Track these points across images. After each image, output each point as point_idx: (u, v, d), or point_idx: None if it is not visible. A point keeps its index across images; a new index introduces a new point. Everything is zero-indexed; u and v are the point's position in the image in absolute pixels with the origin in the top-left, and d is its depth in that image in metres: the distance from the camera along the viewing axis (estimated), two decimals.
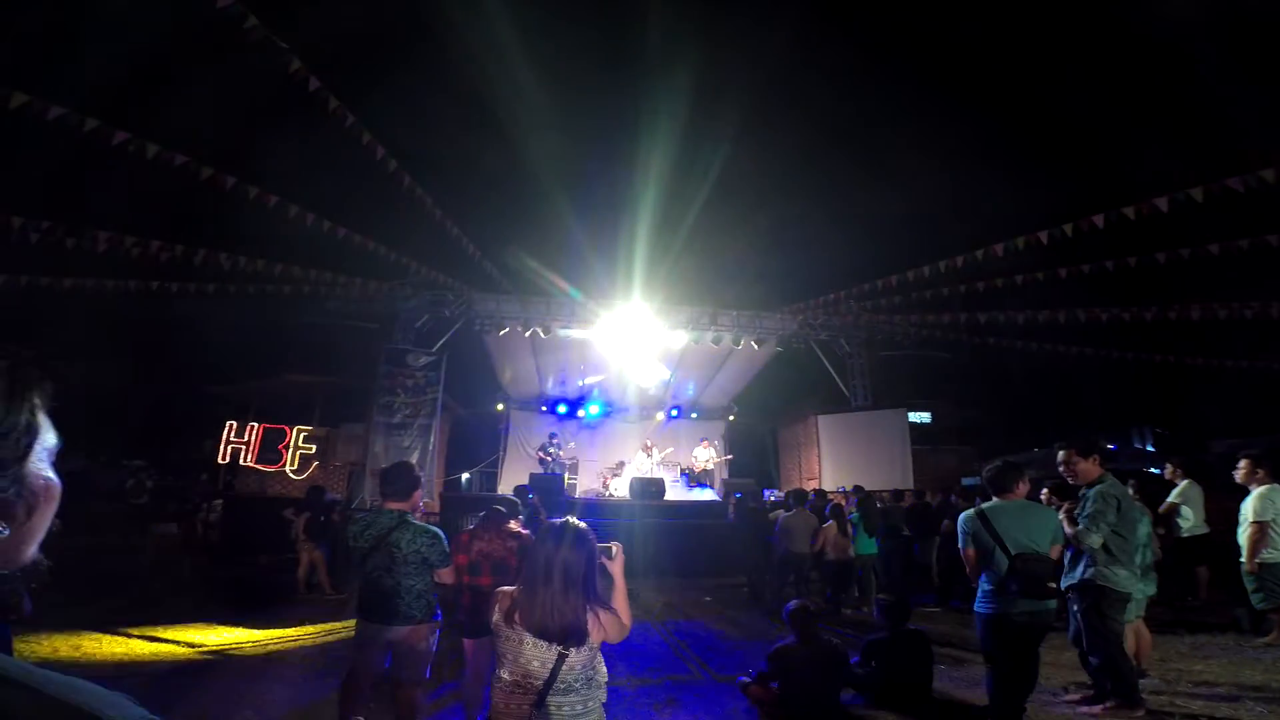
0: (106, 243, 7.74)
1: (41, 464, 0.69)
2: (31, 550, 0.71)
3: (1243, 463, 5.16)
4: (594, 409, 15.91)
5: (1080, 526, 3.70)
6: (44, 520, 0.70)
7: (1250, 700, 4.04)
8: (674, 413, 16.82)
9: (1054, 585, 3.46)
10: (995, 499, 3.64)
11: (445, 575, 3.27)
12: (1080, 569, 3.84)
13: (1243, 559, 4.99)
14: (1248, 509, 4.99)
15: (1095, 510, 3.67)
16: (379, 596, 3.14)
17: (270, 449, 13.16)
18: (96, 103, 6.21)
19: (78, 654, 4.99)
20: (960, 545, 3.67)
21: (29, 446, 0.67)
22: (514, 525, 3.80)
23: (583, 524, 2.07)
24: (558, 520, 2.07)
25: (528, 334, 12.42)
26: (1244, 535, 4.99)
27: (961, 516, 3.71)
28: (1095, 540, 3.66)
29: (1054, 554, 3.55)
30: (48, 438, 0.70)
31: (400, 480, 3.28)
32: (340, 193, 12.94)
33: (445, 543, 3.24)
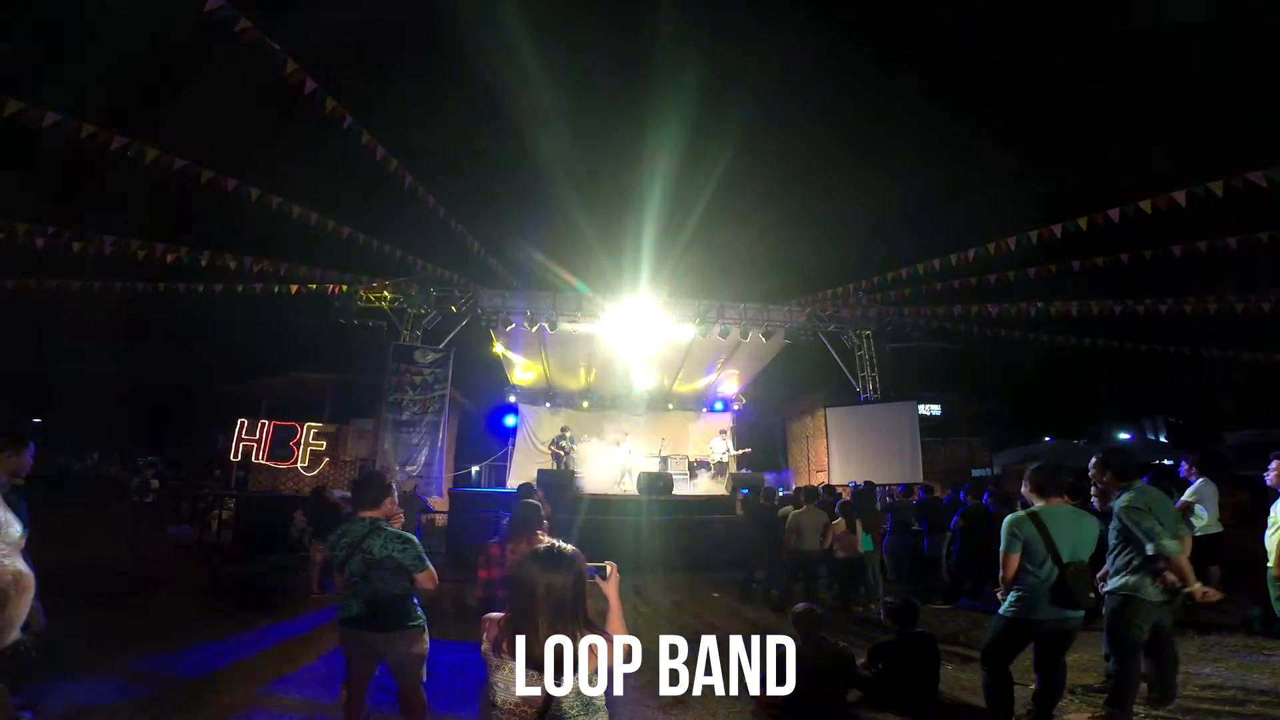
0: (112, 246, 7.77)
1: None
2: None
3: (1274, 464, 4.96)
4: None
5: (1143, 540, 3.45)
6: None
7: (1256, 704, 3.99)
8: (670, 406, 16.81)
9: (1094, 595, 3.28)
10: (1041, 502, 3.41)
11: (424, 580, 3.22)
12: (1117, 576, 3.65)
13: (1270, 563, 4.86)
14: (1278, 512, 4.87)
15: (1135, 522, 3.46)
16: (358, 602, 3.17)
17: (281, 446, 13.30)
18: (93, 108, 6.20)
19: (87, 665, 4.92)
20: (1004, 548, 3.39)
21: None
22: (541, 535, 3.73)
23: (569, 547, 1.94)
24: (542, 545, 1.96)
25: (534, 329, 12.40)
26: (1272, 539, 4.86)
27: (1011, 518, 3.43)
28: (1171, 546, 3.36)
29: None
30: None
31: (370, 490, 3.33)
32: (344, 192, 12.97)
33: (419, 547, 3.24)
